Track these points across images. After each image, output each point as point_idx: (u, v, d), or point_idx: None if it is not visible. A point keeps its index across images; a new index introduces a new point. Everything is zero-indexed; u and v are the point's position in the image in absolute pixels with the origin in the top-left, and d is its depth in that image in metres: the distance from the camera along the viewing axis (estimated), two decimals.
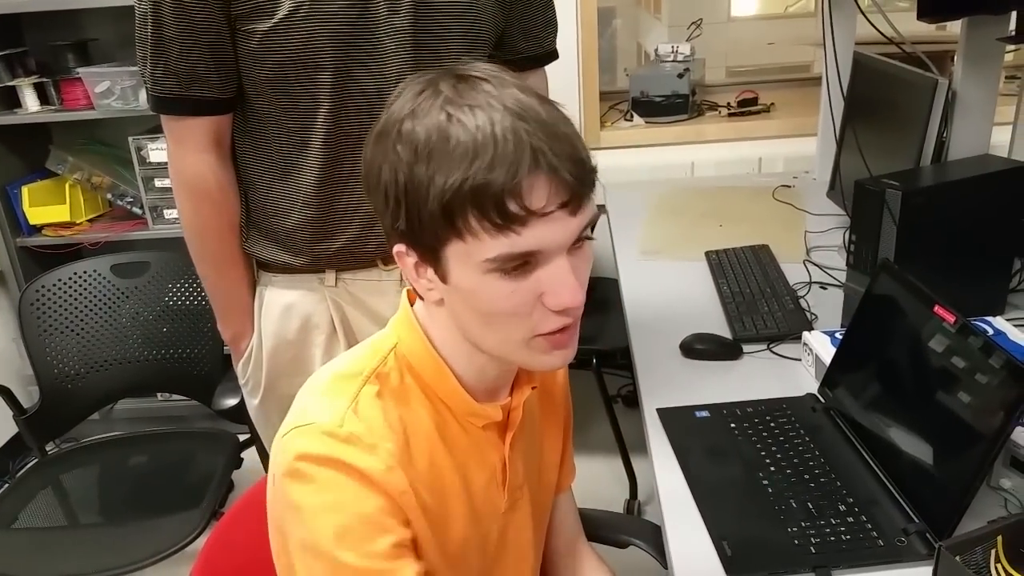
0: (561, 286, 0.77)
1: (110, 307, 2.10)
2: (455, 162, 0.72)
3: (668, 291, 1.72)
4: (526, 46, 1.43)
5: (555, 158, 0.73)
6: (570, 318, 0.80)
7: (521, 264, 0.75)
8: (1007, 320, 1.37)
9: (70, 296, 2.07)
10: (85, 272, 2.09)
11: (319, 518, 0.78)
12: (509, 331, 0.80)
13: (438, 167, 0.73)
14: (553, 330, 0.80)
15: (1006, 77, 1.60)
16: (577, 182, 0.74)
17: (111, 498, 2.02)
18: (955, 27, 1.84)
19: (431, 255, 0.78)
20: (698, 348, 1.44)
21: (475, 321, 0.81)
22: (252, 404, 1.49)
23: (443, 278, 0.79)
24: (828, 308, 1.55)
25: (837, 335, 1.34)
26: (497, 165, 0.71)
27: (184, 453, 2.14)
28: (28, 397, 2.09)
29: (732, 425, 1.22)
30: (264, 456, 1.74)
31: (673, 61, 2.85)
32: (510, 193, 0.72)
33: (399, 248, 0.81)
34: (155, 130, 2.42)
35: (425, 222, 0.75)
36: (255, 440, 1.87)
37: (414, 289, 0.87)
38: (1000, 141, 1.69)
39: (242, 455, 2.03)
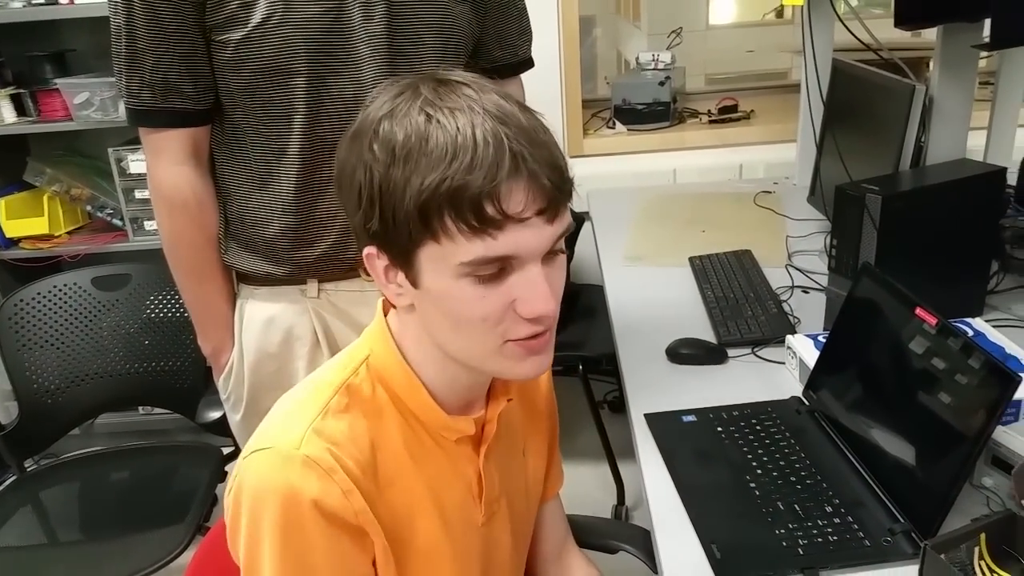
0: (534, 293, 0.76)
1: (91, 320, 2.09)
2: (433, 162, 0.72)
3: (653, 297, 1.72)
4: (501, 54, 1.44)
5: (535, 163, 0.73)
6: (542, 326, 0.79)
7: (496, 271, 0.75)
8: (986, 321, 1.38)
9: (50, 310, 2.05)
10: (65, 285, 2.07)
11: (281, 566, 0.79)
12: (479, 338, 0.79)
13: (416, 167, 0.73)
14: (524, 336, 0.79)
15: (980, 83, 1.62)
16: (555, 189, 0.75)
17: (93, 514, 2.00)
18: (929, 33, 1.87)
19: (403, 258, 0.78)
20: (684, 353, 1.44)
21: (445, 327, 0.81)
22: (234, 420, 1.47)
23: (414, 282, 0.79)
24: (810, 312, 1.56)
25: (820, 338, 1.35)
26: (477, 167, 0.71)
27: (167, 467, 2.12)
28: (6, 413, 2.08)
29: (719, 429, 1.23)
30: None
31: (654, 69, 2.87)
32: (488, 196, 0.72)
33: (369, 250, 0.81)
34: (135, 141, 2.39)
35: (399, 223, 0.75)
36: (239, 454, 1.85)
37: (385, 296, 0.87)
38: (975, 145, 1.71)
39: (226, 468, 2.01)
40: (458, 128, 0.73)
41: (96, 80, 2.42)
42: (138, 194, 2.47)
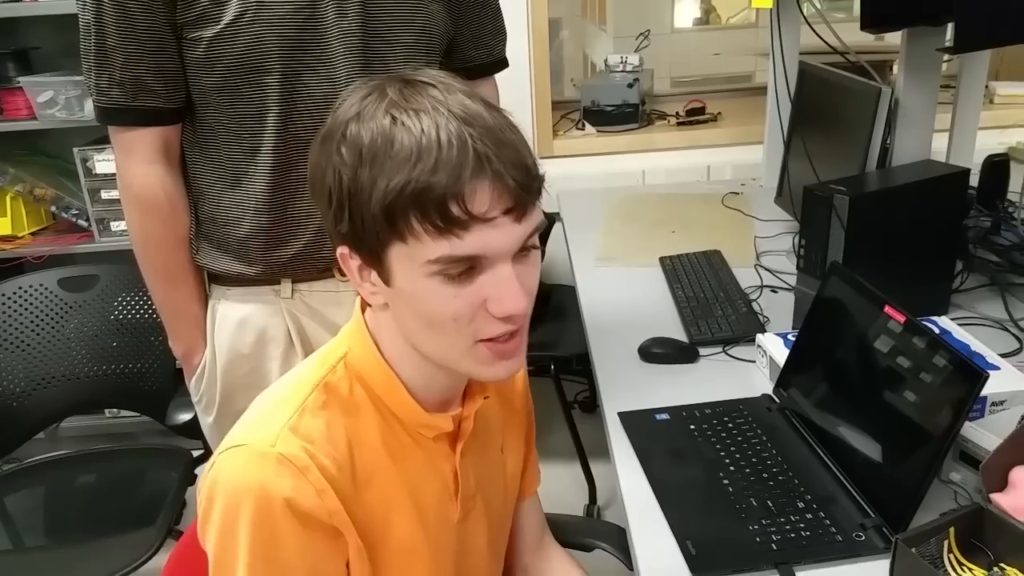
0: (505, 293, 0.77)
1: (56, 322, 2.05)
2: (398, 165, 0.73)
3: (624, 297, 1.74)
4: (476, 54, 1.44)
5: (500, 164, 0.74)
6: (514, 325, 0.80)
7: (465, 269, 0.76)
8: (951, 319, 1.41)
9: (14, 312, 2.02)
10: (31, 287, 2.04)
11: (251, 564, 0.79)
12: (450, 338, 0.80)
13: (381, 170, 0.74)
14: (496, 336, 0.80)
15: (941, 86, 1.66)
16: (522, 189, 0.75)
17: (60, 520, 1.96)
18: (891, 37, 1.89)
19: (374, 258, 0.79)
20: (656, 352, 1.45)
21: (418, 326, 0.81)
22: (206, 422, 1.46)
23: (386, 281, 0.80)
24: (779, 311, 1.58)
25: (790, 336, 1.37)
26: (440, 168, 0.72)
27: (135, 471, 2.09)
28: None
29: (692, 427, 1.24)
30: None
31: (623, 71, 2.89)
32: (453, 196, 0.72)
33: (343, 250, 0.82)
34: (101, 141, 2.37)
35: (368, 224, 0.76)
36: (209, 456, 1.83)
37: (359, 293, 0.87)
38: (938, 148, 1.74)
39: (196, 471, 1.99)
40: (422, 130, 0.73)
41: (61, 79, 2.38)
42: (104, 194, 2.44)
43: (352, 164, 0.75)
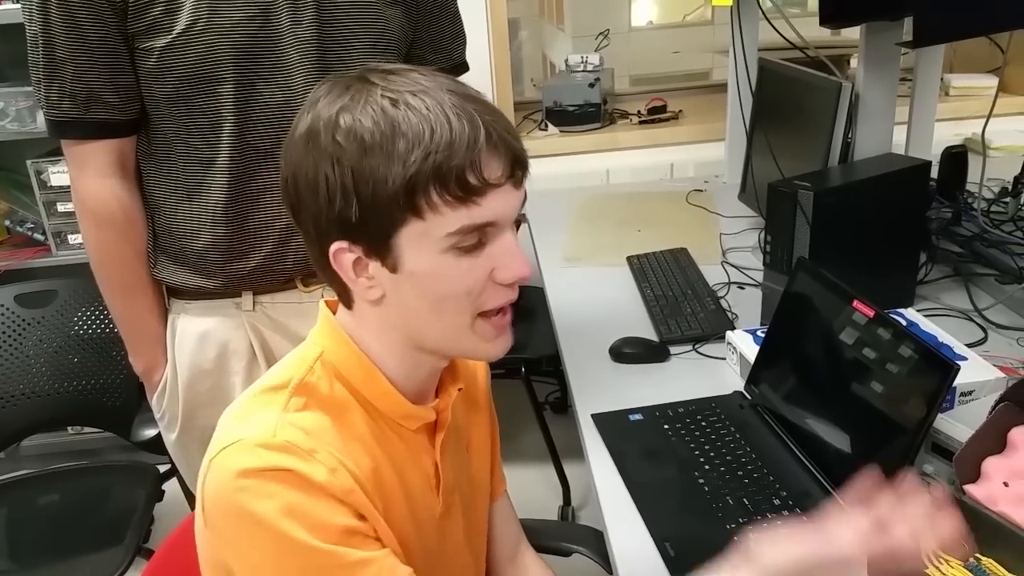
0: (512, 258, 0.80)
1: (14, 340, 2.00)
2: (412, 142, 0.74)
3: (593, 297, 1.73)
4: (435, 58, 1.43)
5: (503, 132, 0.78)
6: (514, 294, 0.83)
7: (476, 241, 0.78)
8: (917, 311, 1.43)
9: None
10: None
11: (279, 524, 0.75)
12: (457, 316, 0.81)
13: (393, 150, 0.74)
14: (500, 305, 0.82)
15: (899, 80, 1.68)
16: (520, 154, 0.79)
17: (23, 541, 1.91)
18: (849, 32, 1.92)
19: (380, 245, 0.78)
20: (627, 352, 1.45)
21: (424, 309, 0.81)
22: (169, 439, 1.43)
23: (393, 268, 0.79)
24: (747, 307, 1.59)
25: (759, 333, 1.37)
26: (456, 141, 0.75)
27: (100, 488, 2.04)
28: None
29: (665, 426, 1.24)
30: (187, 489, 1.67)
31: (583, 71, 2.89)
32: (470, 166, 0.75)
33: (340, 245, 0.79)
34: (55, 152, 2.31)
35: (380, 208, 0.76)
36: (176, 472, 1.80)
37: (339, 297, 0.87)
38: (897, 141, 1.76)
39: (163, 487, 1.95)
40: (427, 107, 0.75)
41: (10, 90, 2.33)
42: (61, 207, 2.38)
43: (355, 151, 0.75)
